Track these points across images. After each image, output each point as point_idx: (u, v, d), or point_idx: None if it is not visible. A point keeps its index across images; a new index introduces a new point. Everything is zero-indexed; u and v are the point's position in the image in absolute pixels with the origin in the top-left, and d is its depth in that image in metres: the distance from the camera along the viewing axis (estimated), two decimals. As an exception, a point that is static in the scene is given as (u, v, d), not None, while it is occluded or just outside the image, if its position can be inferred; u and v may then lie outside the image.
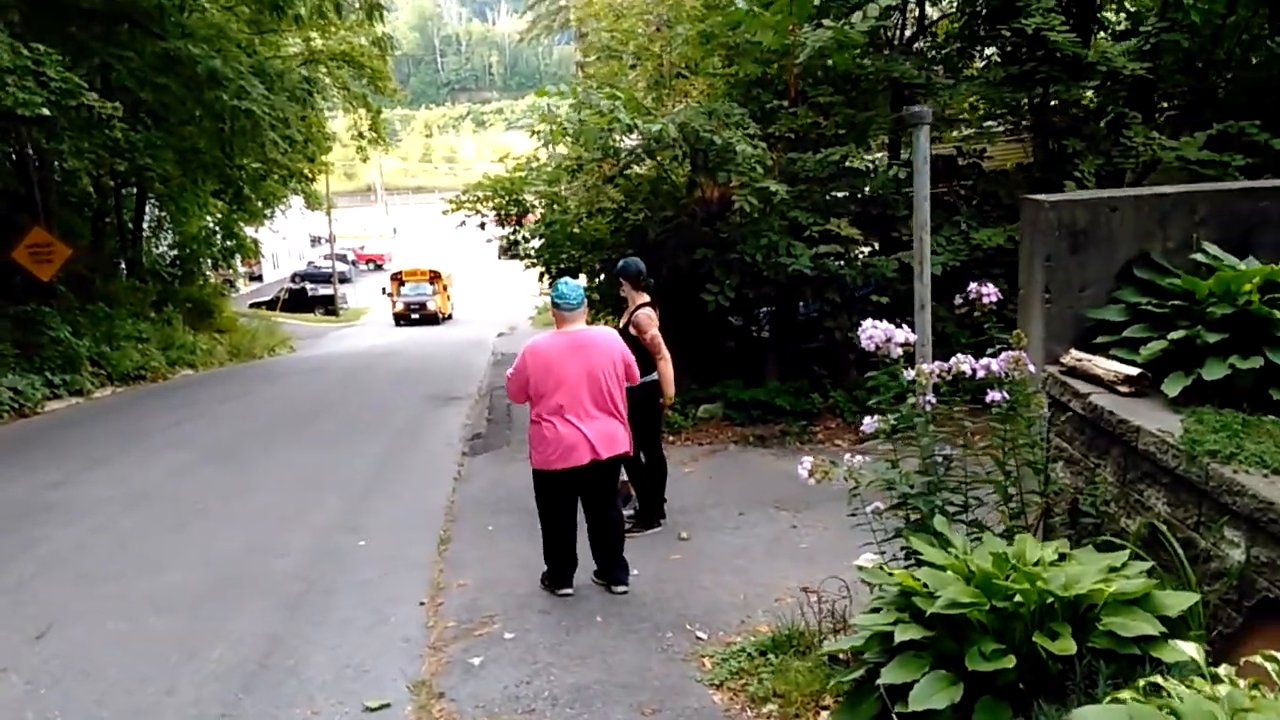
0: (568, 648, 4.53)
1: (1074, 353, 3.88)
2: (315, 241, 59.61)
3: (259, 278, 51.26)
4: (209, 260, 27.14)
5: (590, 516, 5.24)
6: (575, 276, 11.65)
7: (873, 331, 3.58)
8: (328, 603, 5.33)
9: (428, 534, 6.62)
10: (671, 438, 8.67)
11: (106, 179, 18.74)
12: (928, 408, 3.77)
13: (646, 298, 6.23)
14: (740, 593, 5.17)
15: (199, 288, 25.40)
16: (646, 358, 6.08)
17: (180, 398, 15.39)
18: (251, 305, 37.94)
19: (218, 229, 26.67)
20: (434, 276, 39.85)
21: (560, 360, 5.00)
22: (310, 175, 27.19)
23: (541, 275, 11.60)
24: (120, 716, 4.04)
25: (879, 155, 9.71)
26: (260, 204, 26.98)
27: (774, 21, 7.87)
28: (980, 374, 3.50)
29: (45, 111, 10.71)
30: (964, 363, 3.55)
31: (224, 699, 4.17)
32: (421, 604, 5.27)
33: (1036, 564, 3.03)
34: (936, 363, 3.73)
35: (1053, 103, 8.78)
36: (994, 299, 3.71)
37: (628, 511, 6.67)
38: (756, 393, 9.12)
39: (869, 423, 3.74)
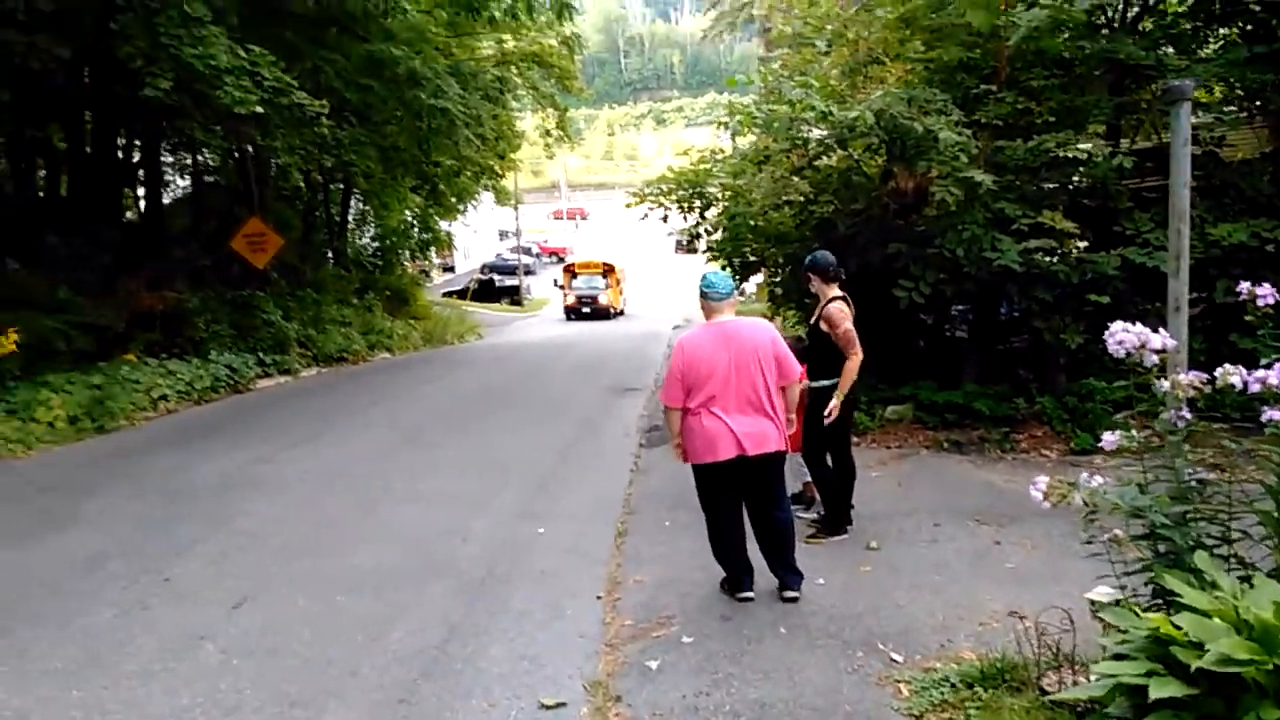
0: (749, 659, 4.28)
1: (1369, 363, 3.26)
2: (503, 235, 61.87)
3: (451, 268, 53.76)
4: (406, 251, 28.64)
5: (752, 517, 5.03)
6: (758, 270, 11.37)
7: (1124, 336, 3.12)
8: (506, 592, 5.31)
9: (605, 526, 6.54)
10: (856, 439, 8.24)
11: (315, 174, 20.00)
12: (1181, 424, 3.26)
13: (839, 291, 5.88)
14: (939, 613, 4.75)
15: (397, 277, 26.82)
16: (838, 355, 5.73)
17: (377, 380, 16.22)
18: (444, 294, 39.84)
19: (415, 222, 28.10)
20: (607, 270, 39.07)
21: (710, 352, 4.84)
22: (500, 172, 28.11)
23: (723, 268, 11.37)
24: (306, 695, 4.12)
25: (1092, 144, 8.84)
26: (454, 199, 28.18)
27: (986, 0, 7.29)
28: (1255, 388, 2.97)
29: (259, 110, 11.43)
30: (1233, 374, 3.03)
31: (405, 684, 4.18)
32: (598, 599, 5.17)
33: (1327, 615, 2.53)
34: (1193, 373, 3.23)
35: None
36: (1272, 300, 3.15)
37: (810, 515, 6.36)
38: (952, 395, 8.53)
39: (1111, 438, 3.28)
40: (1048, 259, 7.79)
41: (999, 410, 8.20)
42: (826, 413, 5.65)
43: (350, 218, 25.93)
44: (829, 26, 9.62)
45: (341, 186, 24.54)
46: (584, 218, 75.95)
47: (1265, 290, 3.16)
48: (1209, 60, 8.03)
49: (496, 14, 21.10)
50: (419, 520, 6.88)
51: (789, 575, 5.02)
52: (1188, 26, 8.62)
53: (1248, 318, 3.28)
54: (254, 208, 18.79)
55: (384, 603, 5.22)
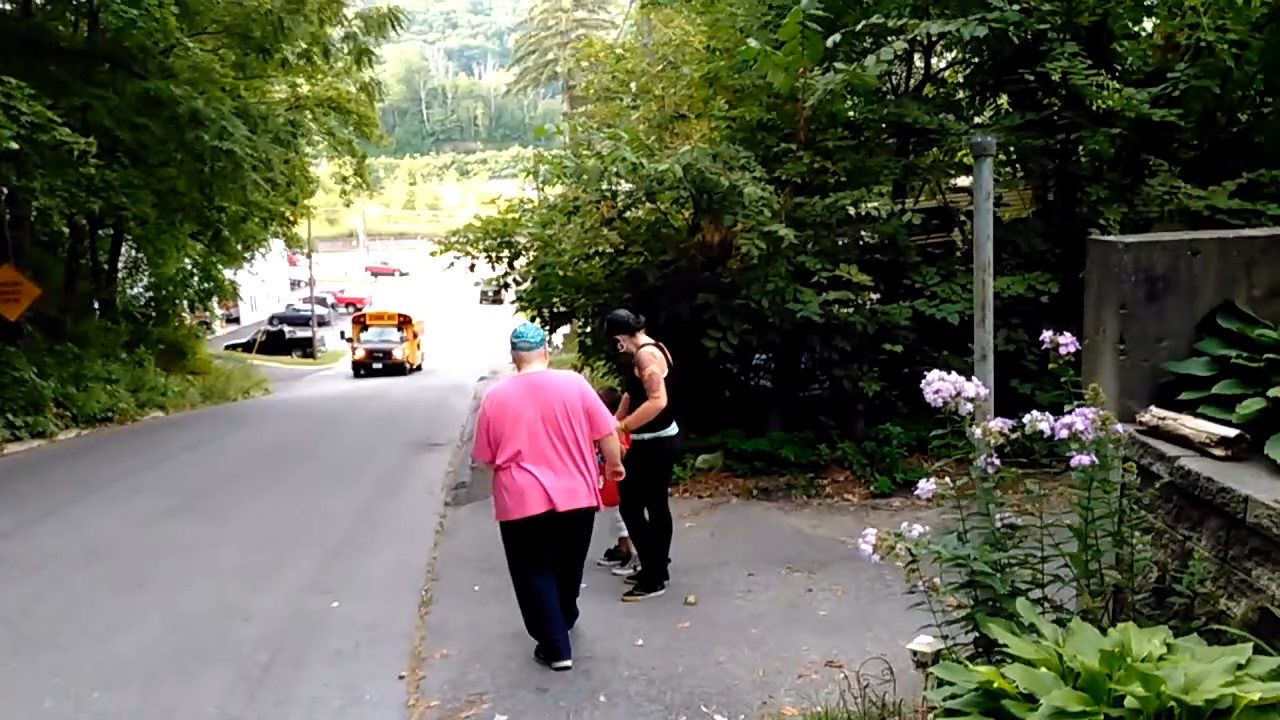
0: (569, 735, 3.99)
1: (1154, 410, 3.44)
2: (295, 285, 59.09)
3: (236, 320, 50.64)
4: (185, 302, 26.57)
5: (556, 570, 4.85)
6: (568, 321, 11.21)
7: (940, 385, 3.12)
8: (295, 678, 4.75)
9: (408, 595, 6.06)
10: (670, 489, 8.17)
11: (80, 218, 18.22)
12: (991, 470, 3.30)
13: (648, 340, 5.78)
14: (758, 667, 4.64)
15: (173, 329, 24.80)
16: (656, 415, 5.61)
17: (147, 441, 14.72)
18: (228, 347, 37.30)
19: (195, 271, 26.15)
20: (403, 321, 35.54)
21: (516, 403, 4.72)
22: (292, 218, 26.78)
23: (533, 318, 11.14)
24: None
25: (881, 202, 9.34)
26: (239, 247, 26.49)
27: (786, 62, 7.56)
28: (1061, 434, 3.03)
29: (14, 145, 10.23)
30: (1041, 421, 3.08)
31: (171, 797, 3.59)
32: (401, 678, 4.71)
33: (1145, 660, 2.56)
34: (1001, 419, 3.27)
35: (1079, 149, 8.51)
36: (1074, 348, 3.25)
37: (626, 571, 6.16)
38: (759, 443, 8.64)
39: (925, 486, 3.27)
40: (845, 310, 8.08)
41: (804, 456, 8.37)
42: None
43: (121, 266, 23.77)
44: (635, 83, 9.72)
45: (111, 232, 22.49)
46: (403, 274, 72.64)
47: (1067, 339, 3.27)
48: (985, 126, 8.69)
49: (290, 57, 20.21)
50: (193, 600, 6.13)
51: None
52: (964, 95, 9.33)
53: (1050, 366, 3.37)
54: (7, 254, 16.82)
55: (150, 700, 4.55)
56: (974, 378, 3.23)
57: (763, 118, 8.86)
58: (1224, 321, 3.50)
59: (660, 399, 5.54)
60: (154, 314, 24.55)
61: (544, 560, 4.75)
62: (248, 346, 39.08)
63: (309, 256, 40.00)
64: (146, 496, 9.68)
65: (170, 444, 14.27)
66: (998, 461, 3.38)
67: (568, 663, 4.69)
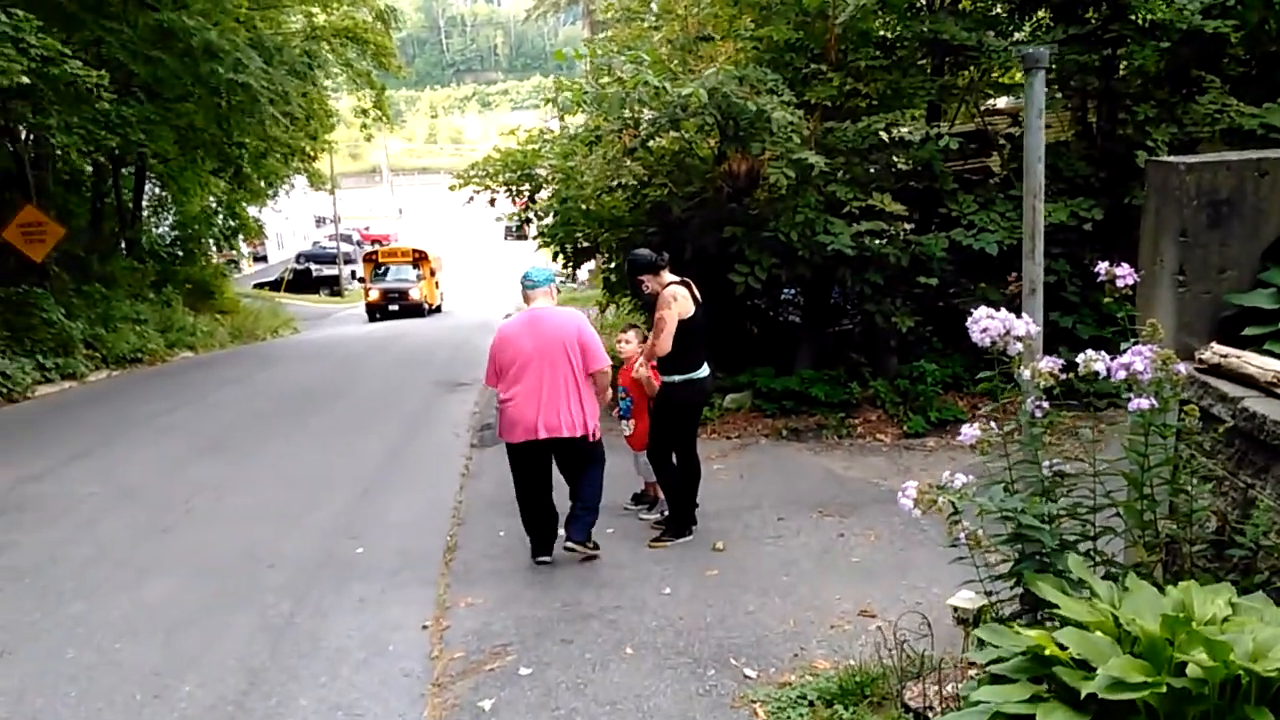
0: (594, 688, 3.88)
1: (1215, 347, 3.18)
2: (320, 222, 58.92)
3: (264, 258, 50.66)
4: (211, 240, 26.51)
5: (565, 479, 5.39)
6: (591, 256, 10.98)
7: (988, 324, 2.87)
8: (318, 627, 4.69)
9: (434, 540, 5.98)
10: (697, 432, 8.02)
11: (100, 156, 18.05)
12: (1040, 414, 3.07)
13: (673, 278, 5.53)
14: (790, 618, 4.50)
15: (200, 268, 24.77)
16: (682, 352, 5.40)
17: (177, 382, 14.78)
18: (256, 286, 37.31)
19: (219, 209, 26.02)
20: (418, 258, 32.60)
21: (517, 336, 5.23)
22: (313, 154, 26.43)
23: (555, 255, 10.91)
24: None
25: (915, 126, 8.91)
26: (262, 183, 26.29)
27: (814, -25, 7.13)
28: (1119, 375, 2.78)
29: (25, 80, 10.02)
30: (1096, 360, 2.84)
31: (191, 753, 3.54)
32: (424, 628, 4.63)
33: (1209, 622, 2.37)
34: (1050, 359, 3.03)
35: (1123, 66, 8.04)
36: (1132, 280, 2.99)
37: (653, 516, 6.04)
38: (788, 381, 8.42)
39: (968, 432, 3.05)
40: (878, 241, 7.78)
41: (835, 395, 8.15)
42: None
43: (145, 204, 23.68)
44: (656, 2, 9.29)
45: (134, 171, 22.36)
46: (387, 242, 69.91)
47: (1124, 271, 3.00)
48: (1026, 42, 8.21)
49: (304, -17, 19.72)
50: (220, 543, 6.10)
51: (572, 529, 5.32)
52: (1003, 9, 8.82)
53: (1105, 299, 3.11)
54: (30, 195, 16.75)
55: (173, 650, 4.50)
56: (1023, 314, 2.98)
57: (790, 37, 8.43)
58: (1295, 252, 3.21)
59: (662, 344, 5.32)
60: (180, 253, 24.49)
61: (531, 478, 5.24)
62: (275, 285, 39.09)
63: (332, 193, 39.52)
64: (175, 438, 9.69)
65: (199, 384, 14.31)
66: (1046, 405, 3.16)
67: (547, 559, 5.31)
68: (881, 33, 9.15)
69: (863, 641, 4.16)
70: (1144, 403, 2.76)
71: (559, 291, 5.89)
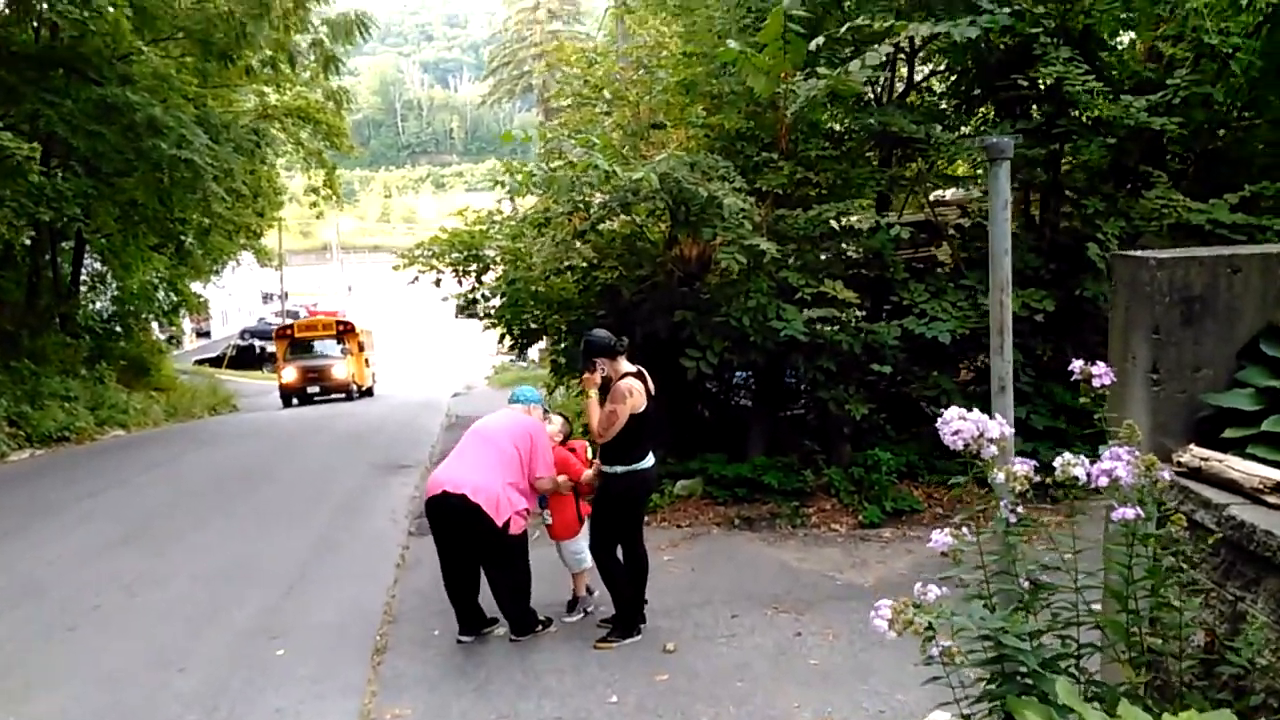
0: (533, 816, 3.52)
1: (1194, 450, 3.03)
2: (267, 298, 58.16)
3: (207, 334, 49.73)
4: (151, 317, 25.83)
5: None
6: (539, 338, 10.79)
7: (960, 425, 2.67)
8: (228, 745, 4.25)
9: (361, 641, 5.56)
10: (645, 518, 7.72)
11: (29, 231, 17.55)
12: (1014, 519, 2.86)
13: (631, 367, 5.32)
14: (746, 730, 4.19)
15: (136, 344, 24.03)
16: (628, 443, 5.16)
17: (104, 462, 14.10)
18: (197, 362, 36.45)
19: (161, 285, 25.43)
20: (343, 331, 27.74)
21: (476, 427, 5.58)
22: (259, 230, 26.15)
23: (502, 337, 10.68)
24: None
25: (865, 215, 8.94)
26: (207, 259, 25.83)
27: (767, 65, 7.16)
28: (1101, 481, 2.60)
29: (-49, 149, 9.67)
30: (1075, 465, 2.65)
31: None
32: (347, 745, 4.23)
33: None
34: (1023, 461, 2.85)
35: (1070, 161, 8.17)
36: (1108, 380, 2.82)
37: (575, 617, 5.69)
38: (740, 469, 8.20)
39: (939, 539, 2.82)
40: (830, 328, 7.68)
41: (788, 483, 7.94)
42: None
43: (84, 279, 23.04)
44: (608, 89, 9.31)
45: (73, 245, 21.80)
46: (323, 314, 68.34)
47: (1100, 370, 2.83)
48: (974, 135, 8.32)
49: (254, 64, 19.66)
50: (128, 647, 5.61)
51: (511, 623, 5.41)
52: (950, 104, 8.99)
53: (1082, 399, 2.95)
54: (-43, 267, 16.19)
55: (57, 773, 4.03)
56: (995, 414, 2.79)
57: (742, 126, 8.48)
58: (1269, 348, 3.10)
59: (606, 436, 5.14)
60: (118, 328, 23.80)
61: (445, 544, 5.25)
62: (217, 361, 38.20)
63: (279, 268, 39.10)
64: (95, 524, 9.13)
65: (127, 465, 13.65)
66: (1021, 510, 2.96)
67: (465, 638, 5.38)
68: (830, 124, 9.26)
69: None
70: (1129, 513, 2.57)
71: (544, 414, 5.87)
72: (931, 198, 9.57)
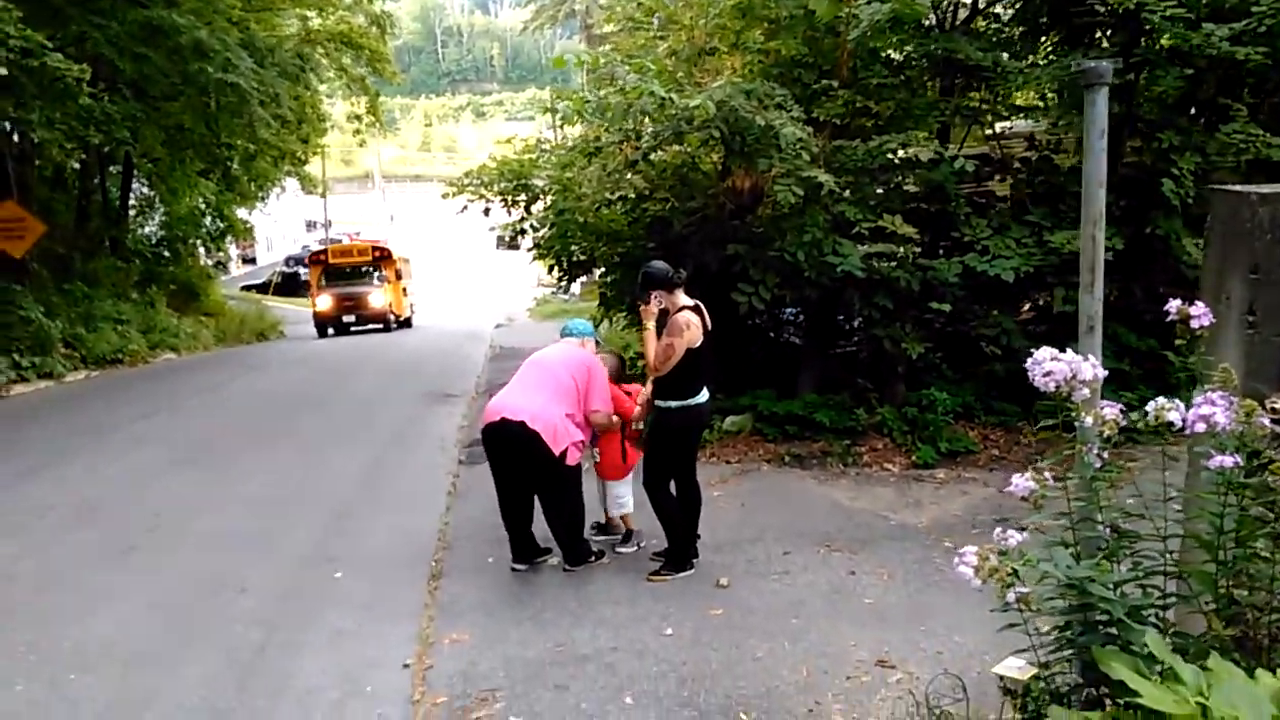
0: (591, 744, 3.55)
1: (1294, 395, 2.88)
2: (311, 226, 58.46)
3: (252, 260, 50.27)
4: (198, 242, 26.08)
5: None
6: (587, 270, 10.70)
7: (1054, 366, 2.54)
8: (289, 663, 4.33)
9: (417, 567, 5.63)
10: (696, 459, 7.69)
11: (81, 154, 17.64)
12: (1098, 464, 2.75)
13: (688, 300, 5.22)
14: (802, 666, 4.18)
15: (185, 269, 24.32)
16: (684, 377, 5.10)
17: (156, 385, 14.40)
18: (243, 288, 36.82)
19: (208, 210, 25.60)
20: (380, 257, 26.82)
21: (531, 358, 5.60)
22: (304, 157, 26.10)
23: (550, 268, 10.59)
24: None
25: (925, 147, 8.62)
26: (252, 186, 25.92)
27: (830, -14, 6.87)
28: (1198, 427, 2.48)
29: (2, 71, 9.65)
30: (1170, 409, 2.53)
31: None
32: (405, 666, 4.28)
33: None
34: (1111, 405, 2.72)
35: (1144, 93, 7.79)
36: (1207, 322, 2.68)
37: (630, 549, 5.70)
38: (791, 405, 8.12)
39: (1020, 483, 2.72)
40: (888, 264, 7.50)
41: (840, 421, 7.85)
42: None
43: (133, 203, 23.25)
44: (661, 12, 9.01)
45: (121, 169, 21.95)
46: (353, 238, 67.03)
47: (1199, 310, 2.69)
48: (1047, 63, 7.95)
49: (297, -15, 19.45)
50: (186, 567, 5.73)
51: (565, 553, 5.42)
52: (1017, 31, 8.58)
53: (1178, 340, 2.81)
54: (10, 191, 16.34)
55: (128, 684, 4.14)
56: (1088, 356, 2.66)
57: (800, 52, 8.17)
58: (1380, 291, 2.92)
59: (663, 369, 5.08)
60: (166, 253, 24.07)
61: (504, 475, 5.29)
62: (263, 288, 38.62)
63: (323, 196, 39.17)
64: (149, 446, 9.32)
65: (179, 388, 13.92)
66: (1105, 456, 2.85)
67: (518, 565, 5.43)
68: (889, 53, 8.90)
69: (882, 696, 3.86)
70: (1227, 461, 2.45)
71: (597, 345, 5.99)
72: (997, 129, 9.21)
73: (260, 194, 27.24)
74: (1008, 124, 9.62)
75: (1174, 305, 2.75)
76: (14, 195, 16.04)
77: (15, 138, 16.17)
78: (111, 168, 22.02)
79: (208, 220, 25.86)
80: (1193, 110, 7.93)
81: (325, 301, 25.31)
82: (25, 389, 13.30)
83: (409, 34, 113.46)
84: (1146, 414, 2.65)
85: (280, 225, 50.85)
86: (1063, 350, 2.73)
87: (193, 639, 4.62)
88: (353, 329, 24.80)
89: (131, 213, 23.19)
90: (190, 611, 4.99)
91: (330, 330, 24.88)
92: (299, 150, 24.37)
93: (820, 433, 7.86)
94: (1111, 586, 2.55)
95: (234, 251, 39.42)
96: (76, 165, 20.22)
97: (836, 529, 6.13)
